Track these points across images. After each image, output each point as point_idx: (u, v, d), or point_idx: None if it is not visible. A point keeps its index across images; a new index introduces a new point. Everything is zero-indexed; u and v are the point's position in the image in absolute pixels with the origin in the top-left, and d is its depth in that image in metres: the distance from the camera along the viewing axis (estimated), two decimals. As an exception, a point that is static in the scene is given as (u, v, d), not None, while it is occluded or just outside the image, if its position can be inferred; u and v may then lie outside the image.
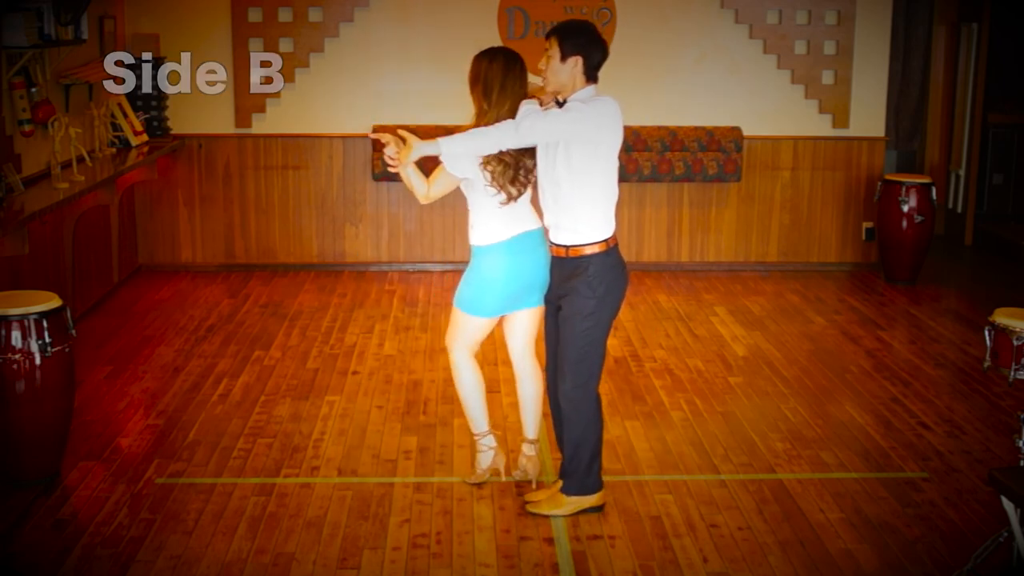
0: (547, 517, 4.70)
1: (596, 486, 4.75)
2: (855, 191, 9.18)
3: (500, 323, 4.94)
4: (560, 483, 4.77)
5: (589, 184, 4.50)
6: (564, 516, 4.70)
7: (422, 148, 4.50)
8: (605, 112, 4.48)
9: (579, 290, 4.54)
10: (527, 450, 4.97)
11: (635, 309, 7.95)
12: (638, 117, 8.91)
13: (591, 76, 4.54)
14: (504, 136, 4.45)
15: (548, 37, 4.57)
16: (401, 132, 4.59)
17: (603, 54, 4.57)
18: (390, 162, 4.57)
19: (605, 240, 4.54)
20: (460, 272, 8.03)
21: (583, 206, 4.51)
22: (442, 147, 4.48)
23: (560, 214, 4.55)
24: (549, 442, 5.26)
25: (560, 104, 4.57)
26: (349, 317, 7.67)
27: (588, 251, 4.53)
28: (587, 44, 4.51)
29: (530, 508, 4.76)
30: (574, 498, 4.72)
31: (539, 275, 4.74)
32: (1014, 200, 10.64)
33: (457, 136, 4.49)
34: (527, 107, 4.55)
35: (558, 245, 4.60)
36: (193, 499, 4.85)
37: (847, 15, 8.94)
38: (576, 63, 4.49)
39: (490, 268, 4.71)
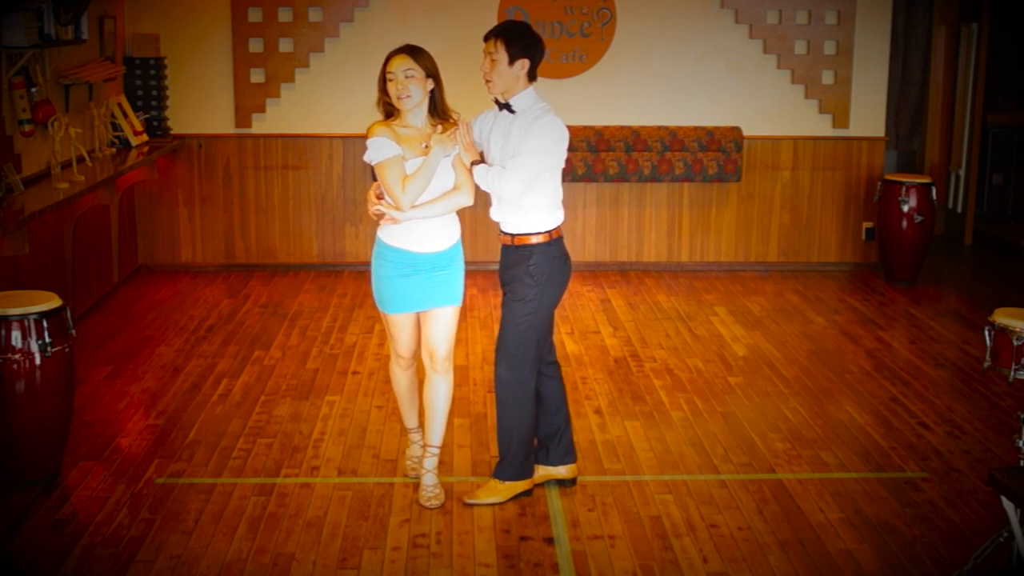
0: (484, 506, 4.77)
1: (529, 471, 4.87)
2: (855, 191, 9.18)
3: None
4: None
5: (538, 181, 4.63)
6: (501, 503, 4.78)
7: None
8: (565, 129, 4.66)
9: (521, 278, 4.68)
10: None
11: (635, 309, 7.95)
12: (638, 117, 8.93)
13: (533, 76, 4.68)
14: (502, 185, 4.57)
15: (490, 39, 4.65)
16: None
17: (542, 53, 4.71)
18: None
19: (549, 231, 4.68)
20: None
21: (531, 199, 4.64)
22: (475, 171, 4.65)
23: (509, 204, 4.67)
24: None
25: (502, 105, 4.68)
26: (349, 317, 7.67)
27: (532, 240, 4.67)
28: (532, 46, 4.65)
29: (467, 499, 4.82)
30: (508, 483, 4.82)
31: None
32: (1014, 200, 10.65)
33: (482, 170, 4.63)
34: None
35: (505, 234, 4.75)
36: (193, 499, 4.85)
37: (847, 15, 8.94)
38: (523, 65, 4.63)
39: (378, 258, 4.77)
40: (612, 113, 8.88)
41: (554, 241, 4.70)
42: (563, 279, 4.77)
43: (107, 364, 6.61)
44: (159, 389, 6.23)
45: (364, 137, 4.67)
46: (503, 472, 4.83)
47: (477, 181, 4.63)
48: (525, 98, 4.65)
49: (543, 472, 4.95)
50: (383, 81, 4.59)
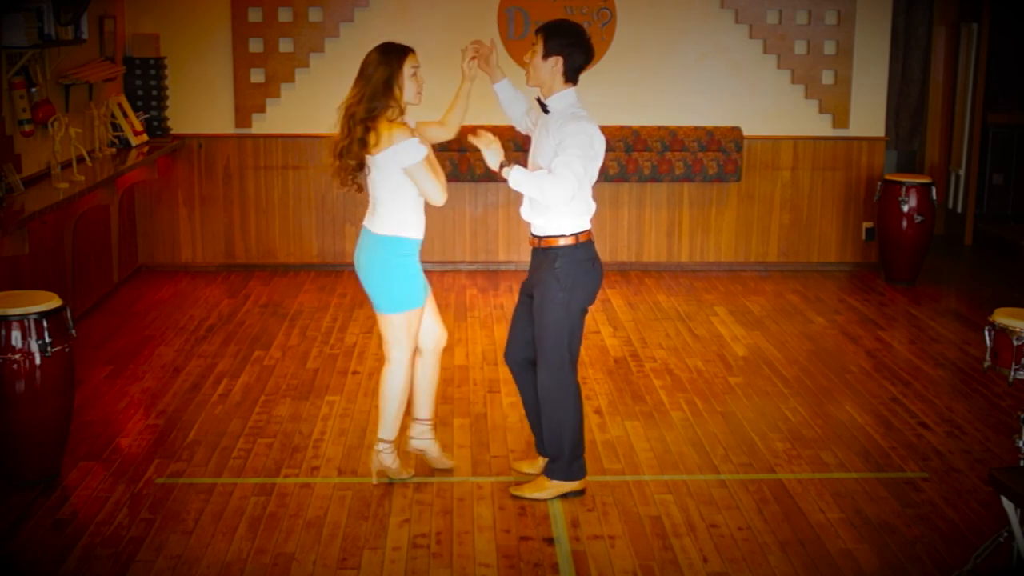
0: (530, 500, 4.82)
1: (580, 473, 4.88)
2: (855, 191, 9.18)
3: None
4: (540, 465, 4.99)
5: (581, 181, 4.61)
6: (546, 499, 4.82)
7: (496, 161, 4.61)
8: (598, 131, 4.67)
9: (547, 281, 4.70)
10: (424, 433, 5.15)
11: (635, 309, 7.95)
12: (638, 117, 8.93)
13: (571, 78, 4.71)
14: (555, 189, 4.49)
15: (536, 33, 4.74)
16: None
17: (586, 58, 4.73)
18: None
19: (575, 234, 4.69)
20: (460, 272, 8.01)
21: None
22: (511, 176, 4.57)
23: (538, 205, 4.68)
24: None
25: (542, 105, 4.72)
26: (349, 317, 7.67)
27: (558, 243, 4.69)
28: (569, 46, 4.68)
29: (513, 491, 4.89)
30: (557, 483, 4.85)
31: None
32: (1014, 200, 10.65)
33: (526, 175, 4.56)
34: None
35: (533, 236, 4.78)
36: (193, 499, 4.85)
37: (847, 15, 8.94)
38: (556, 63, 4.66)
39: (405, 257, 4.80)
40: (612, 113, 8.88)
41: (581, 244, 4.70)
42: (591, 282, 4.78)
43: (107, 364, 6.61)
44: (159, 389, 6.23)
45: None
46: (554, 472, 4.86)
47: (516, 186, 4.56)
48: (561, 99, 4.69)
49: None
50: (398, 75, 4.65)
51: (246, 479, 5.06)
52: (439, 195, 4.68)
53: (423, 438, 5.10)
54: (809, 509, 4.81)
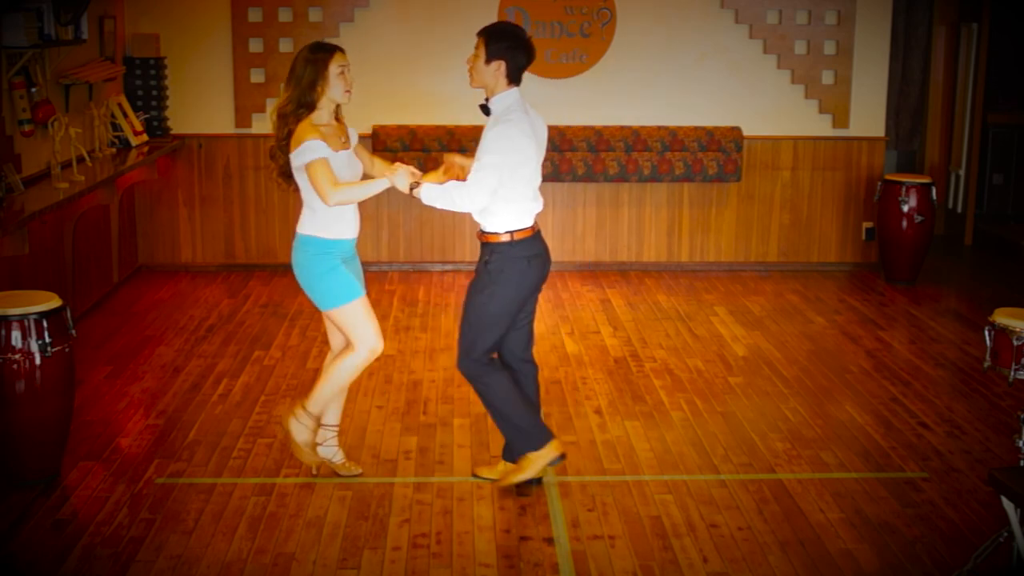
0: (521, 482, 4.88)
1: (545, 436, 4.88)
2: (855, 191, 9.18)
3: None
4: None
5: (507, 183, 4.66)
6: (534, 475, 4.88)
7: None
8: (526, 132, 4.66)
9: (479, 273, 4.82)
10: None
11: (635, 309, 7.95)
12: (638, 117, 8.93)
13: (514, 79, 4.75)
14: (466, 199, 4.63)
15: (478, 36, 4.77)
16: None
17: (528, 58, 4.78)
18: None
19: (511, 232, 4.73)
20: (460, 272, 8.02)
21: (497, 201, 4.69)
22: (422, 195, 4.69)
23: None
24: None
25: (484, 107, 4.77)
26: (349, 317, 7.66)
27: (493, 239, 4.76)
28: (511, 49, 4.72)
29: (501, 482, 4.93)
30: (531, 455, 4.86)
31: None
32: (1014, 200, 10.65)
33: (437, 191, 4.66)
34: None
35: (479, 231, 4.85)
36: (193, 499, 4.85)
37: (847, 15, 8.94)
38: (499, 66, 4.71)
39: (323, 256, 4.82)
40: (612, 113, 8.89)
41: (517, 242, 4.73)
42: (524, 281, 4.77)
43: (107, 364, 6.61)
44: (159, 389, 6.23)
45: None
46: (521, 449, 4.86)
47: (430, 203, 4.67)
48: (501, 100, 4.73)
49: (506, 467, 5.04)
50: (324, 75, 4.65)
51: (246, 479, 5.06)
52: (325, 196, 4.59)
53: (329, 445, 5.06)
54: (809, 509, 4.81)
